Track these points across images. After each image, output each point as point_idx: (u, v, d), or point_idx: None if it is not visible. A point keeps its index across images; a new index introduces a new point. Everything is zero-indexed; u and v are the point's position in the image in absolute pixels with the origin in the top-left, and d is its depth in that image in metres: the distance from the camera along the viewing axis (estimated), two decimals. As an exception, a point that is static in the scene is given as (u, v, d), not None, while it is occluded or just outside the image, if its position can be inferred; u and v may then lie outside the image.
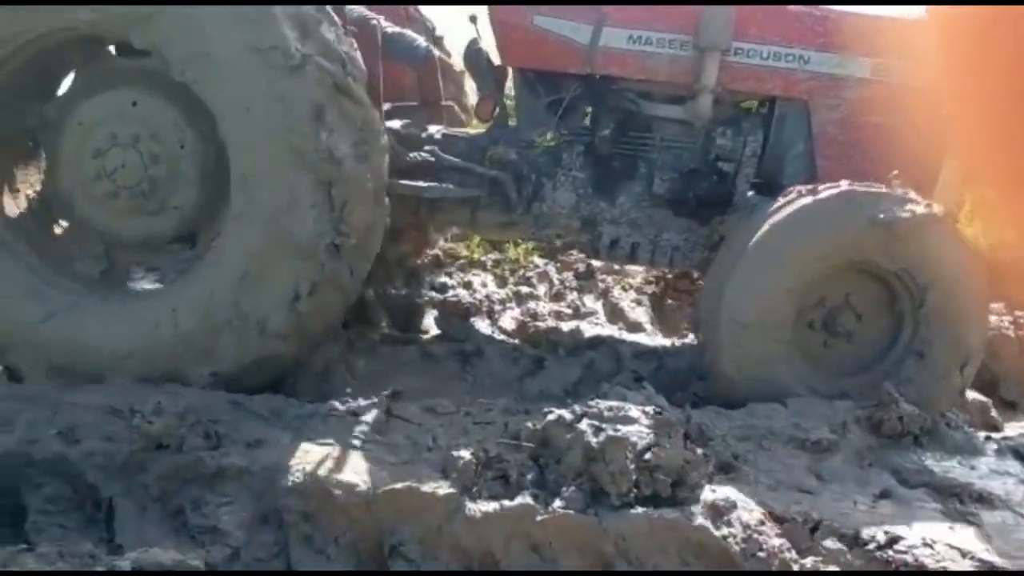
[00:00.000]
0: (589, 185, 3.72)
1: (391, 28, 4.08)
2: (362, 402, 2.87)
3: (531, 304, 4.53)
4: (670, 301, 4.35)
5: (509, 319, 4.37)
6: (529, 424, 2.35)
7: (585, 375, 3.50)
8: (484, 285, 5.11)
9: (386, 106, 3.63)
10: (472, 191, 3.72)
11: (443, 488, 2.26)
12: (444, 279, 5.11)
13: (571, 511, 2.09)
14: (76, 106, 3.11)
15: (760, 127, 3.64)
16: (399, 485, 2.30)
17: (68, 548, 1.74)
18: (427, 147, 3.76)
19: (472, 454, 2.35)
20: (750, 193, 3.63)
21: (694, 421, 2.51)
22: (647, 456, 2.13)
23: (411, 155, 3.67)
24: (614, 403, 2.30)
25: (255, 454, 2.52)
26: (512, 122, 3.95)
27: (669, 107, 3.69)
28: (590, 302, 4.73)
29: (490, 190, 3.75)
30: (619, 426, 2.20)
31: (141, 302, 3.18)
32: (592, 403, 2.31)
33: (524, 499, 2.17)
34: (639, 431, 2.19)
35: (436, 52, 4.16)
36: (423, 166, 3.70)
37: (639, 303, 4.67)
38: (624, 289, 4.95)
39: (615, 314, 4.53)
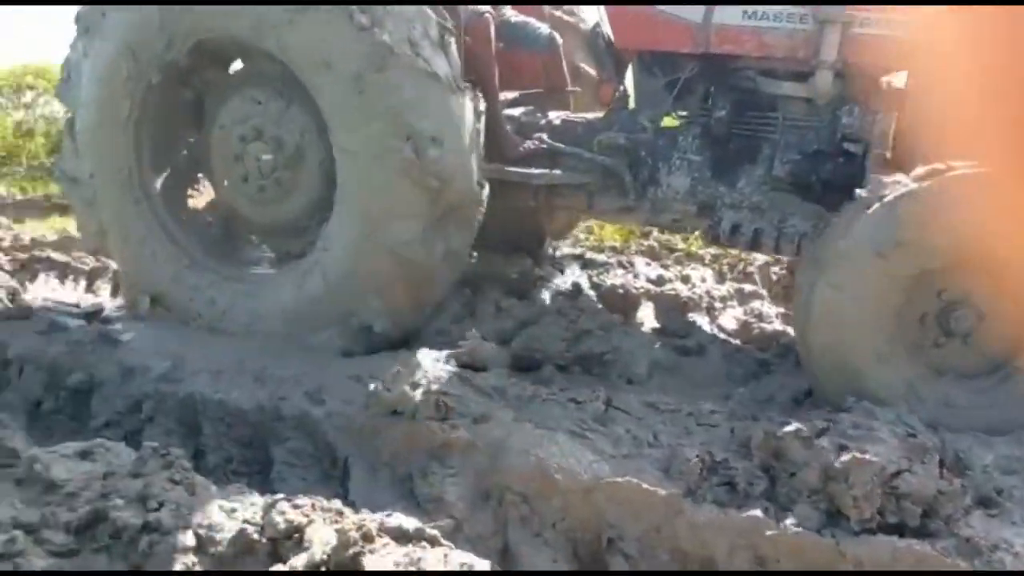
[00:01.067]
0: (707, 168, 3.54)
1: (515, 18, 4.10)
2: (582, 390, 2.88)
3: (755, 303, 4.31)
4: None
5: (730, 318, 4.19)
6: (761, 432, 2.22)
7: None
8: (703, 280, 4.94)
9: (512, 94, 3.73)
10: (582, 177, 3.67)
11: (666, 487, 2.21)
12: (660, 271, 5.02)
13: (805, 530, 1.96)
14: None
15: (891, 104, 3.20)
16: (620, 479, 2.27)
17: (320, 503, 1.87)
18: (537, 134, 3.78)
19: (697, 456, 2.27)
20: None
21: (950, 447, 2.26)
22: (896, 482, 1.95)
23: (525, 143, 3.71)
24: (860, 419, 2.12)
25: (480, 429, 2.60)
26: (632, 106, 3.82)
27: (789, 84, 3.42)
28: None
29: (603, 176, 3.68)
30: (865, 446, 2.02)
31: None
32: (835, 417, 2.15)
33: (754, 510, 2.06)
34: (887, 454, 2.00)
35: (559, 39, 4.11)
36: (539, 153, 3.72)
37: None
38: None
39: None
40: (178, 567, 1.68)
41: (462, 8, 3.52)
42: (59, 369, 3.33)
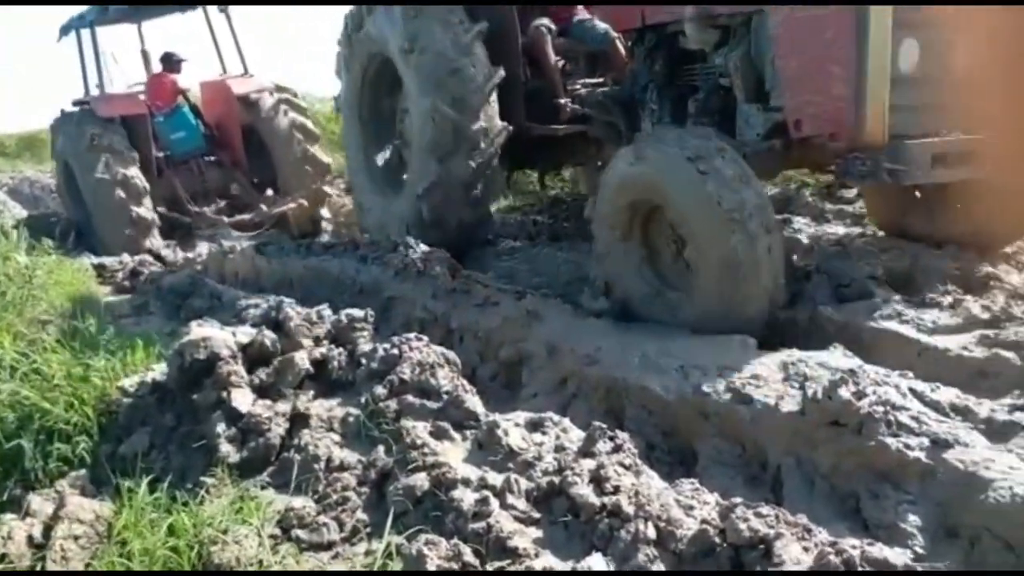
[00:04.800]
0: (666, 114, 4.56)
1: (579, 17, 5.93)
2: None
3: None
4: None
5: None
6: None
7: None
8: None
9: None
10: (588, 128, 5.31)
11: None
12: None
13: None
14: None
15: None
16: None
17: (785, 516, 1.72)
18: (563, 99, 5.46)
19: None
20: None
21: None
22: None
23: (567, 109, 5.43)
24: None
25: (940, 453, 2.24)
26: None
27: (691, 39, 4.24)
28: None
29: (606, 129, 5.19)
30: None
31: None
32: None
33: None
34: None
35: (613, 33, 5.53)
36: (576, 115, 5.38)
37: None
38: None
39: None
40: (640, 557, 1.65)
41: (533, 25, 5.57)
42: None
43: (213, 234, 8.39)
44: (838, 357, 2.81)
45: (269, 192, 9.30)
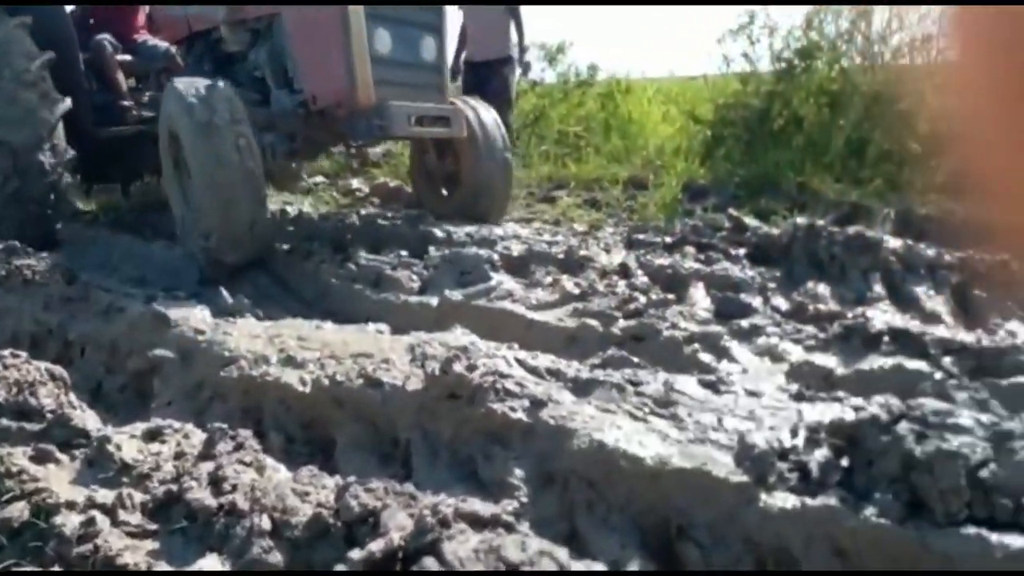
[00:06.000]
0: None
1: (142, 38, 6.86)
2: (640, 373, 2.84)
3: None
4: (978, 292, 3.85)
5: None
6: (837, 418, 2.16)
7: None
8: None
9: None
10: (153, 128, 5.53)
11: (736, 474, 2.16)
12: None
13: (887, 522, 1.90)
14: None
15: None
16: (687, 465, 2.23)
17: (393, 487, 1.86)
18: (128, 102, 6.39)
19: (765, 441, 2.22)
20: None
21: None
22: (983, 473, 1.88)
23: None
24: (941, 406, 2.05)
25: (537, 412, 2.58)
26: None
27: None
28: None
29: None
30: (947, 435, 1.96)
31: None
32: (912, 403, 2.08)
33: (829, 499, 2.01)
34: (972, 443, 1.93)
35: (173, 50, 6.53)
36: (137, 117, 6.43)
37: (936, 291, 4.17)
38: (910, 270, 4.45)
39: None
40: (255, 550, 1.68)
41: (94, 40, 6.21)
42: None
43: None
44: (457, 336, 3.07)
45: None
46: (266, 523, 1.72)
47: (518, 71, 8.72)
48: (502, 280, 3.86)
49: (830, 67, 7.51)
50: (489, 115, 5.74)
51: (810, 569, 1.99)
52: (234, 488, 1.84)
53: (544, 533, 2.26)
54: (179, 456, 2.09)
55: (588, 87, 11.05)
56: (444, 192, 6.18)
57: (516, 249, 4.52)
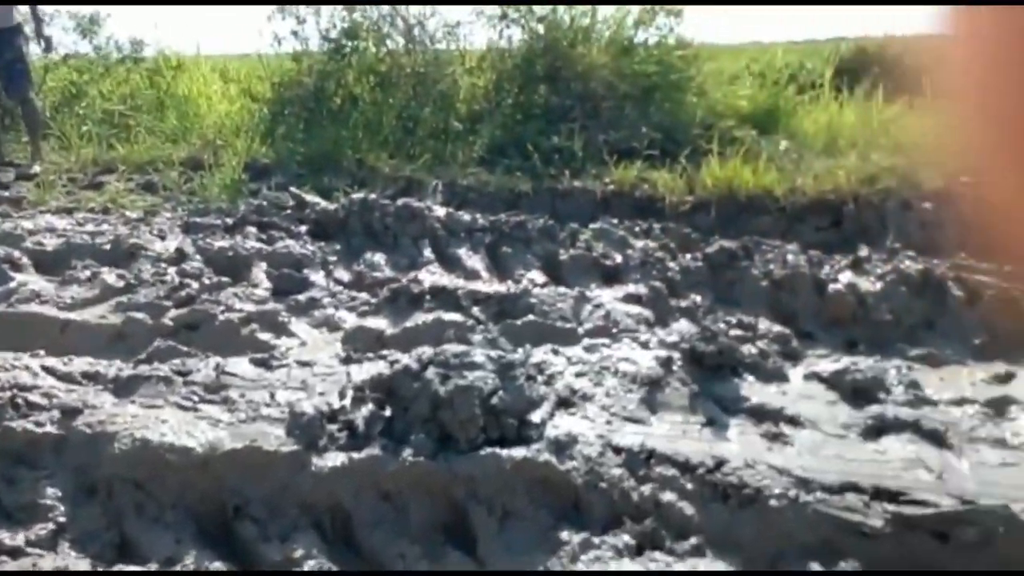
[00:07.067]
0: None
1: None
2: (189, 361, 2.74)
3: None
4: (506, 249, 4.41)
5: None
6: (378, 373, 2.32)
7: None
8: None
9: None
10: None
11: (287, 445, 2.20)
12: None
13: (420, 459, 2.11)
14: None
15: None
16: (239, 445, 2.22)
17: None
18: None
19: (315, 408, 2.30)
20: None
21: (534, 360, 2.58)
22: (493, 400, 2.18)
23: None
24: (459, 349, 2.32)
25: (70, 422, 2.34)
26: None
27: None
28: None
29: None
30: (465, 372, 2.22)
31: None
32: (438, 350, 2.32)
33: (373, 450, 2.16)
34: (484, 376, 2.23)
35: None
36: None
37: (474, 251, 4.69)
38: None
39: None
40: None
41: None
42: None
43: None
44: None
45: None
46: None
47: (36, 46, 7.67)
48: (27, 280, 3.38)
49: (377, 48, 7.88)
50: None
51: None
52: None
53: (88, 549, 2.08)
54: None
55: (133, 63, 10.11)
56: None
57: (51, 244, 4.01)
